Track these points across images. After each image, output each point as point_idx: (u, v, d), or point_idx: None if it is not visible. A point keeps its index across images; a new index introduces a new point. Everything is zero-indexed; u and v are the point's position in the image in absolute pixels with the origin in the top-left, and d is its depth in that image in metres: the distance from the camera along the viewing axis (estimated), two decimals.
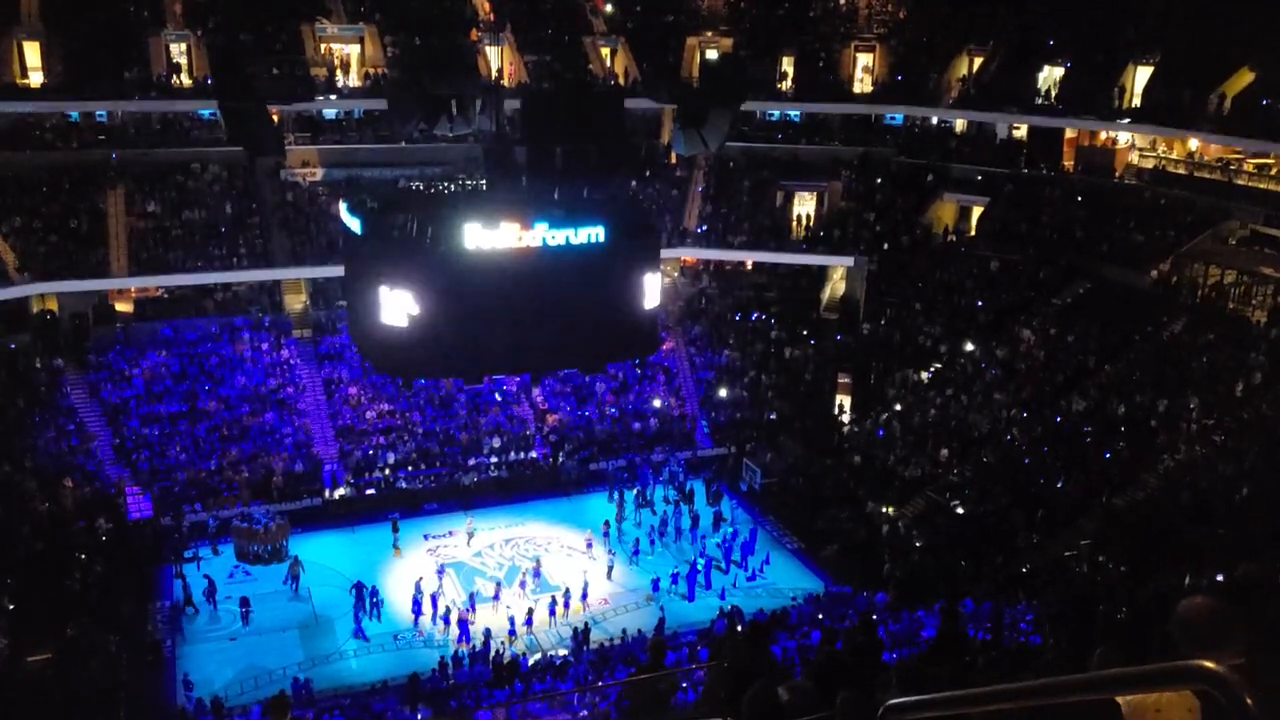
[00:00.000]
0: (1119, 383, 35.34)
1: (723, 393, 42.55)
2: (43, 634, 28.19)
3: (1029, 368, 37.89)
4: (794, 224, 47.39)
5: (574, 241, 21.93)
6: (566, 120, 22.71)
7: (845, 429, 41.01)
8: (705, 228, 46.01)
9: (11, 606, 28.81)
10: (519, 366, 23.28)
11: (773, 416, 41.54)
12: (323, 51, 45.41)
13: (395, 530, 35.08)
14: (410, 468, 38.25)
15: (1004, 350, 38.93)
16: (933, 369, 40.20)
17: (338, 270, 37.11)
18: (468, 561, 34.11)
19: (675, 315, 45.75)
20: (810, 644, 24.57)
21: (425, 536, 35.25)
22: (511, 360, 22.77)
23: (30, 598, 29.37)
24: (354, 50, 46.58)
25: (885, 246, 44.49)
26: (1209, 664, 3.05)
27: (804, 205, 48.05)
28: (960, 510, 33.99)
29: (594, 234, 22.05)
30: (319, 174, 44.28)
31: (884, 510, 35.35)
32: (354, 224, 23.08)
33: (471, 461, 38.84)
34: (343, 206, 24.07)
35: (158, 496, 35.60)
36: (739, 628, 27.67)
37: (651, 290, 23.66)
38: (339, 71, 45.09)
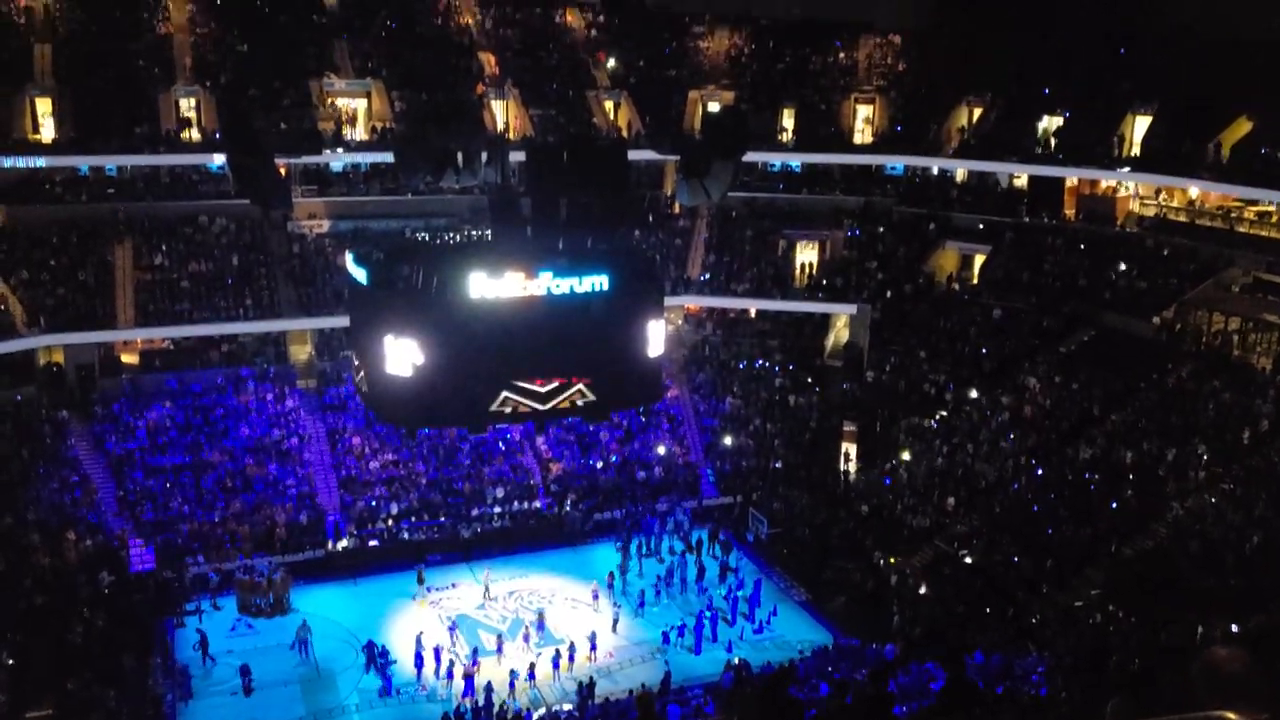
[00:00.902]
0: (1126, 430, 35.20)
1: (727, 441, 42.40)
2: (43, 688, 27.85)
3: (1035, 415, 37.78)
4: (797, 272, 47.54)
5: (578, 290, 22.18)
6: (570, 172, 23.00)
7: (851, 478, 40.78)
8: (708, 276, 46.17)
9: (11, 661, 28.48)
10: (524, 415, 23.24)
11: (778, 465, 41.35)
12: (330, 106, 46.01)
13: (421, 581, 34.86)
14: (413, 518, 38.03)
15: (1009, 398, 38.85)
16: (938, 417, 40.07)
17: (343, 320, 37.25)
18: (470, 614, 33.78)
19: (679, 363, 45.75)
20: (819, 697, 24.19)
21: (428, 589, 34.95)
22: (516, 409, 22.84)
23: (31, 652, 29.06)
24: (361, 105, 47.17)
25: (888, 294, 44.62)
26: (1232, 716, 2.97)
27: (806, 254, 48.25)
28: (968, 560, 33.67)
29: (598, 283, 22.25)
30: (326, 226, 44.61)
31: (891, 560, 35.03)
32: (360, 274, 23.26)
33: (475, 512, 38.63)
34: (349, 257, 24.24)
35: (160, 549, 35.39)
36: (748, 681, 27.27)
37: (655, 338, 23.77)
38: (346, 125, 45.61)
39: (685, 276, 46.09)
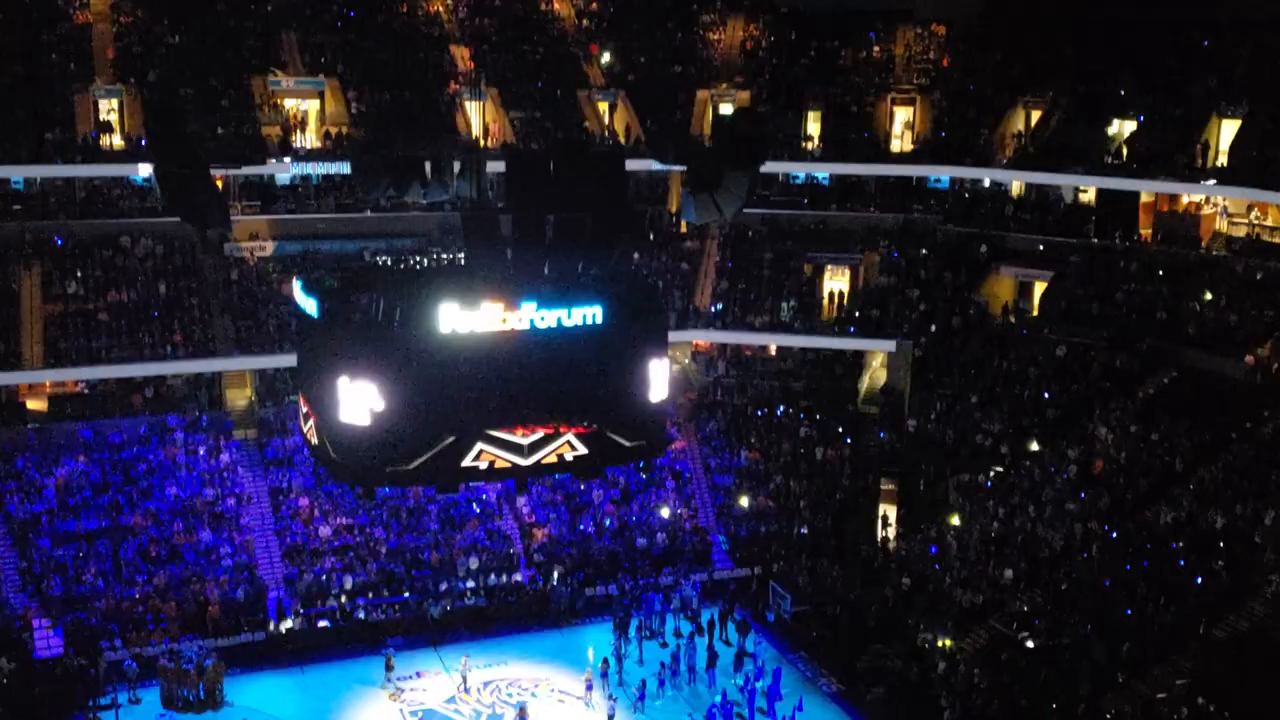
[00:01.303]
0: (1214, 490, 35.38)
1: (744, 502, 42.49)
2: None
3: (1107, 472, 37.98)
4: (825, 302, 47.89)
5: (567, 323, 22.51)
6: (558, 185, 23.33)
7: (891, 545, 40.95)
8: (720, 307, 46.56)
9: None
10: (502, 472, 23.49)
11: (804, 531, 41.40)
12: (276, 108, 46.66)
13: (389, 668, 34.90)
14: (371, 594, 38.04)
15: (1076, 451, 39.05)
16: (993, 473, 40.25)
17: (289, 360, 37.52)
18: (439, 709, 33.79)
19: (686, 409, 45.98)
20: None
21: (389, 680, 34.96)
22: (493, 464, 23.12)
23: None
24: (312, 106, 47.84)
25: (932, 328, 45.00)
26: None
27: (836, 280, 48.67)
28: (1030, 644, 33.72)
29: (590, 314, 22.61)
30: (270, 248, 45.07)
31: (939, 644, 35.06)
32: (309, 305, 23.61)
33: (444, 586, 38.64)
34: (297, 285, 24.61)
35: (70, 630, 35.44)
36: None
37: (658, 380, 24.04)
38: (295, 130, 46.27)
39: (693, 307, 46.46)
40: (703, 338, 46.75)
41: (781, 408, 45.42)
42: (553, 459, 23.22)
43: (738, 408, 45.81)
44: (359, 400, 22.00)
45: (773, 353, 47.67)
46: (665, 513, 41.95)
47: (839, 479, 43.11)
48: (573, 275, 23.41)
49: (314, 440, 24.21)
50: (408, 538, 39.85)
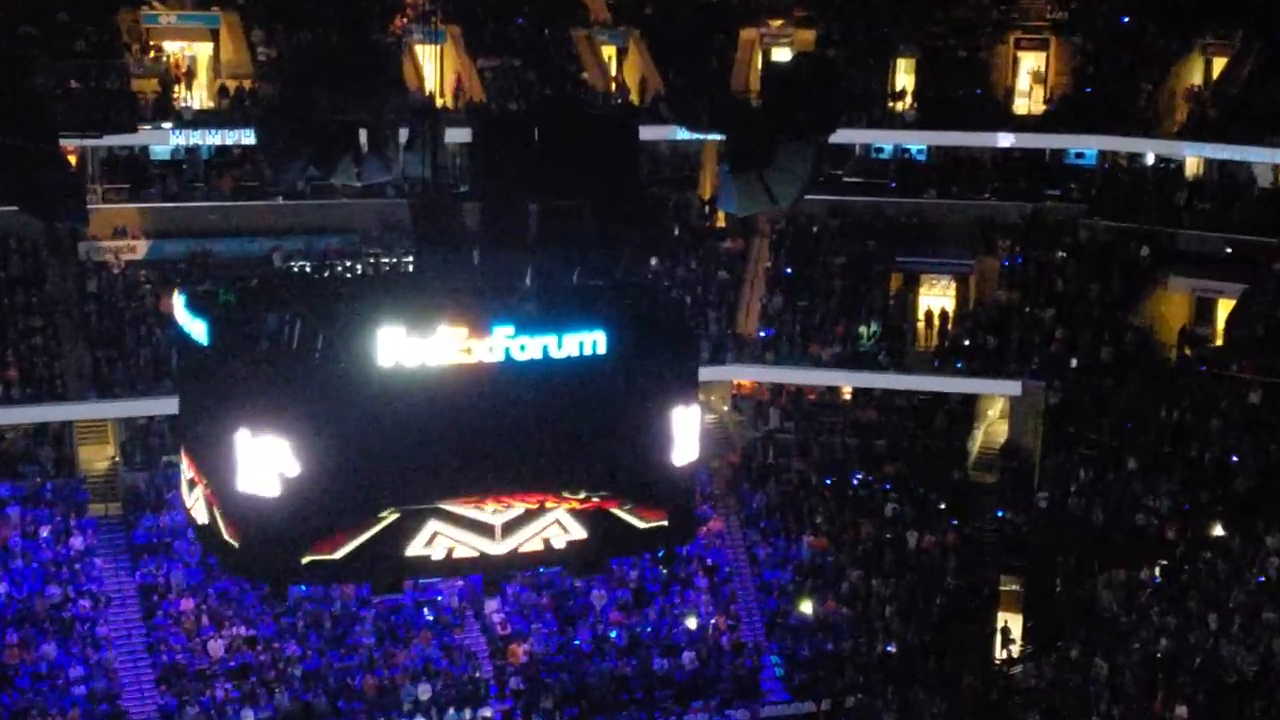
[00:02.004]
0: None
1: (806, 609, 42.13)
2: None
3: None
4: (921, 326, 47.72)
5: (556, 355, 22.33)
6: (545, 161, 23.41)
7: (1014, 671, 40.58)
8: (773, 332, 46.50)
9: None
10: (464, 564, 23.45)
11: (891, 649, 41.07)
12: (153, 55, 46.94)
13: None
14: None
15: (1277, 538, 38.83)
16: (1159, 568, 39.93)
17: (169, 405, 37.48)
18: None
19: (725, 477, 45.79)
20: None
21: None
22: (452, 552, 23.17)
23: None
24: (203, 51, 48.15)
25: (1073, 363, 44.83)
26: None
27: (936, 295, 48.56)
28: None
29: (590, 343, 22.47)
30: (142, 249, 45.16)
31: None
32: (197, 329, 23.57)
33: None
34: (179, 301, 24.60)
35: None
36: None
37: (685, 436, 23.85)
38: (179, 86, 46.54)
39: (735, 333, 46.33)
40: (748, 376, 46.57)
41: (859, 475, 45.19)
42: (536, 546, 23.06)
43: (798, 475, 45.59)
44: (265, 462, 21.92)
45: (847, 397, 47.44)
46: (694, 623, 41.66)
47: (940, 576, 42.79)
48: (565, 288, 23.39)
49: (202, 518, 24.16)
50: (332, 656, 39.67)
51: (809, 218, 48.47)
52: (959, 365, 45.55)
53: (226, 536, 23.18)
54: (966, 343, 46.15)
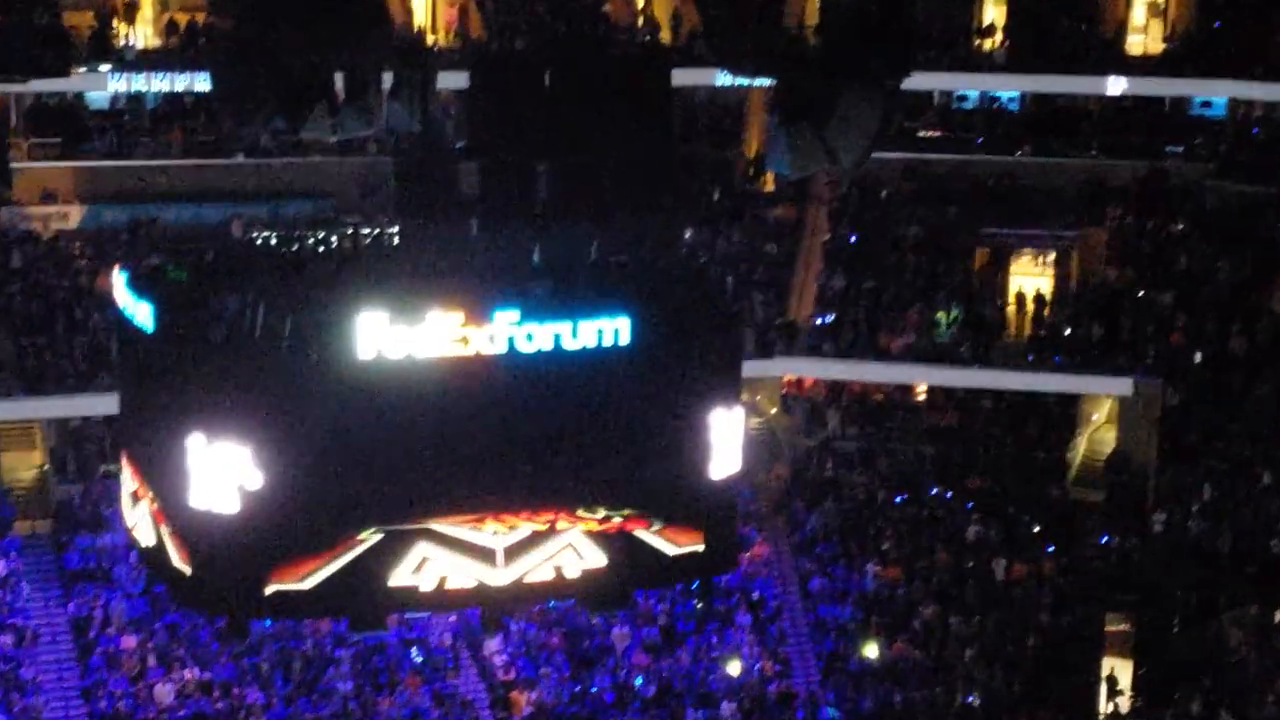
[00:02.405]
0: None
1: (870, 651, 42.05)
2: None
3: None
4: (1011, 311, 47.60)
5: (570, 346, 22.53)
6: (557, 112, 23.60)
7: None
8: (831, 319, 46.68)
9: None
10: (459, 595, 23.61)
11: (973, 701, 41.01)
12: None
13: None
14: None
15: None
16: None
17: (109, 404, 37.63)
18: None
19: (773, 493, 45.82)
20: None
21: None
22: (445, 582, 23.47)
23: None
24: None
25: (1197, 357, 44.87)
26: None
27: (1031, 274, 48.52)
28: None
29: (610, 332, 22.69)
30: (76, 216, 45.35)
31: None
32: (141, 313, 23.81)
33: None
34: (120, 280, 24.80)
35: None
36: None
37: (725, 443, 24.04)
38: (119, 20, 46.66)
39: (786, 320, 46.30)
40: (802, 371, 46.56)
41: (935, 491, 45.14)
42: (546, 574, 23.24)
43: (861, 491, 45.65)
44: (222, 473, 22.14)
45: (921, 398, 47.39)
46: (736, 668, 41.64)
47: (1034, 614, 42.72)
48: (581, 266, 23.53)
49: (147, 539, 24.39)
50: (303, 705, 39.77)
51: (877, 180, 48.43)
52: (1057, 359, 45.42)
53: (176, 561, 23.37)
54: (1067, 332, 45.99)
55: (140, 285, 24.15)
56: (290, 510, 22.29)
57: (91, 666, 40.31)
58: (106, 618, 40.97)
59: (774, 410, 47.23)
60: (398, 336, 22.05)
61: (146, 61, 45.63)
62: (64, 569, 41.93)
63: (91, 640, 40.68)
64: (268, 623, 36.87)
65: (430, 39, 44.62)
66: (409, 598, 23.24)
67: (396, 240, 24.79)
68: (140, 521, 24.68)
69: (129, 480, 25.54)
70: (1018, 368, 45.68)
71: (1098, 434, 46.30)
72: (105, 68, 44.76)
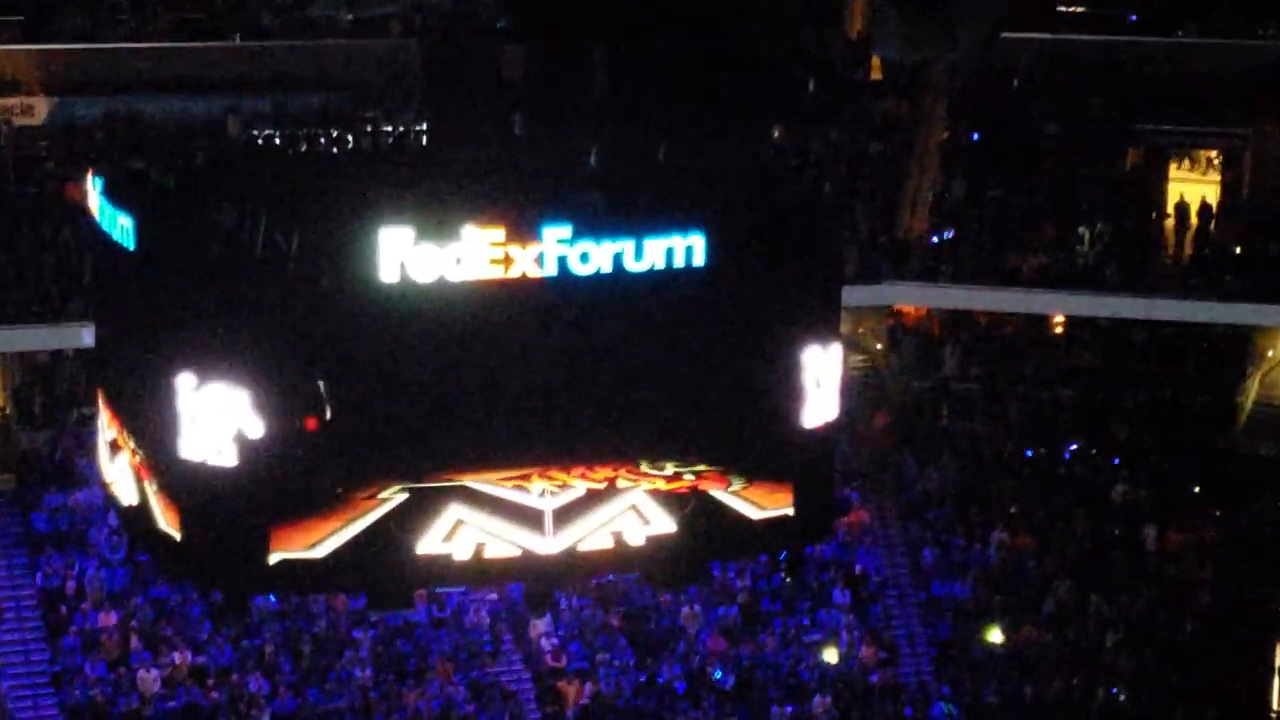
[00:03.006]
0: None
1: (993, 636, 41.99)
2: None
3: None
4: (1169, 226, 47.27)
5: (634, 268, 22.75)
6: None
7: None
8: (952, 235, 46.13)
9: None
10: (500, 567, 23.71)
11: (1119, 694, 40.95)
12: None
13: None
14: None
15: None
16: None
17: (81, 335, 37.76)
18: None
19: (878, 445, 45.60)
20: None
21: None
22: (483, 550, 23.62)
23: None
24: None
25: None
26: None
27: (1193, 180, 48.00)
28: None
29: (681, 251, 22.80)
30: (42, 110, 45.57)
31: None
32: (121, 227, 24.03)
33: None
34: (95, 187, 24.93)
35: None
36: None
37: (820, 386, 24.31)
38: None
39: (895, 236, 46.19)
40: (914, 299, 46.35)
41: (1074, 445, 44.99)
42: (603, 542, 23.39)
43: (985, 443, 45.46)
44: (218, 419, 22.33)
45: (1058, 331, 47.22)
46: (832, 656, 41.67)
47: (1193, 590, 42.63)
48: (646, 171, 23.50)
49: (128, 497, 24.61)
50: (313, 696, 40.07)
51: (1007, 66, 48.22)
52: (1226, 283, 45.22)
53: (164, 524, 23.57)
54: (1237, 251, 45.77)
55: (119, 194, 24.25)
56: (297, 464, 22.44)
57: (64, 648, 40.58)
58: (81, 590, 41.22)
59: (879, 346, 47.12)
60: (426, 256, 22.15)
61: None
62: (30, 532, 42.15)
63: (64, 617, 40.92)
64: (272, 598, 37.02)
65: None
66: (440, 569, 23.40)
67: (425, 140, 24.80)
68: (120, 476, 24.88)
69: (107, 427, 25.74)
70: (1176, 294, 45.35)
71: (1273, 375, 46.02)
72: None
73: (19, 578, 41.69)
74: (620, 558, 23.90)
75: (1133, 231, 46.73)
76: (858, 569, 43.97)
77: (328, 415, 22.18)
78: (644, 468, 23.18)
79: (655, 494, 23.28)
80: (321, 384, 22.24)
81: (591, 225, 22.36)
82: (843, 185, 46.91)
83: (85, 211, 26.66)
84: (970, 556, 44.19)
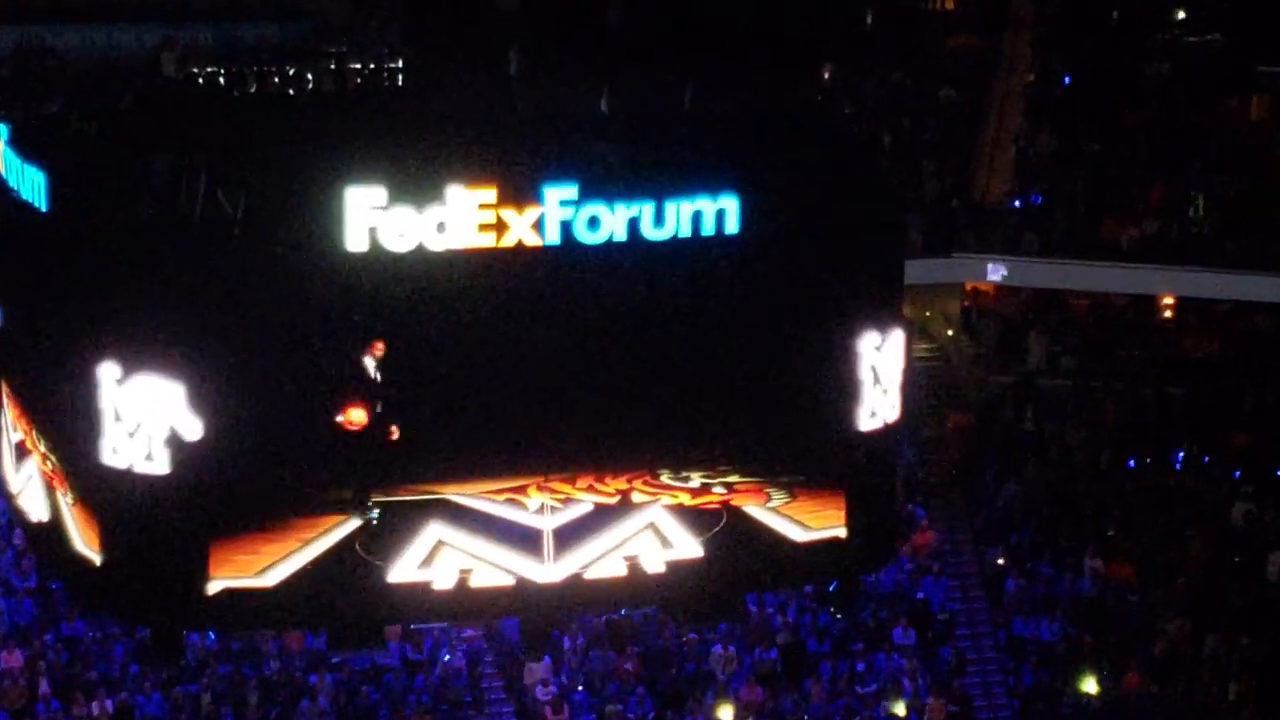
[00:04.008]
0: None
1: (1088, 686, 42.12)
2: None
3: None
4: None
5: (655, 236, 22.77)
6: None
7: None
8: (1039, 199, 46.25)
9: None
10: (489, 599, 23.73)
11: None
12: None
13: None
14: None
15: None
16: None
17: None
18: None
19: (949, 452, 45.74)
20: None
21: None
22: (469, 578, 23.54)
23: None
24: None
25: None
26: None
27: None
28: None
29: (710, 215, 22.85)
30: None
31: None
32: (31, 184, 24.01)
33: None
34: None
35: None
36: None
37: (879, 381, 24.40)
38: None
39: (970, 199, 46.27)
40: (993, 275, 46.52)
41: (1185, 453, 45.04)
42: (614, 568, 23.47)
43: (1078, 451, 45.54)
44: (148, 418, 22.37)
45: (1166, 315, 47.37)
46: (899, 707, 41.87)
47: None
48: (668, 120, 23.51)
49: (38, 512, 24.66)
50: None
51: (1092, 13, 48.27)
52: None
53: (81, 544, 23.63)
54: None
55: (29, 144, 24.25)
56: (243, 471, 22.41)
57: None
58: None
59: (950, 333, 47.25)
60: (402, 221, 22.16)
61: None
62: None
63: None
64: (211, 635, 37.08)
65: None
66: (417, 601, 23.44)
67: (401, 81, 24.80)
68: (28, 486, 24.90)
69: (11, 427, 25.77)
70: None
71: None
72: None
73: None
74: (635, 588, 23.89)
75: (1256, 196, 46.68)
76: (923, 602, 43.98)
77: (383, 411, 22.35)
78: (664, 478, 23.20)
79: (678, 510, 23.30)
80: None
81: (602, 184, 22.36)
82: (906, 137, 47.02)
83: None
84: (1060, 588, 44.18)
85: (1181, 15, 48.56)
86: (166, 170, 22.61)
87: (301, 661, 41.09)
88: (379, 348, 22.44)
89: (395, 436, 22.59)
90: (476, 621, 34.62)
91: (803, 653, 42.52)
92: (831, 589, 40.01)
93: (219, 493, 22.42)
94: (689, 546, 23.39)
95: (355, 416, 22.47)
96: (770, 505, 23.52)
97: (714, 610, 27.35)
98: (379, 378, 22.47)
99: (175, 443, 22.17)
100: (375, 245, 21.86)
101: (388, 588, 22.97)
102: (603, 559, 23.27)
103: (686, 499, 23.30)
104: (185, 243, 22.23)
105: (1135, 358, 47.17)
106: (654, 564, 23.43)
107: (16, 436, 25.20)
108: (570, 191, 22.12)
